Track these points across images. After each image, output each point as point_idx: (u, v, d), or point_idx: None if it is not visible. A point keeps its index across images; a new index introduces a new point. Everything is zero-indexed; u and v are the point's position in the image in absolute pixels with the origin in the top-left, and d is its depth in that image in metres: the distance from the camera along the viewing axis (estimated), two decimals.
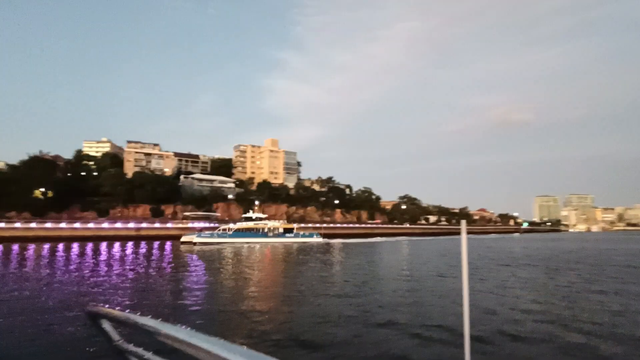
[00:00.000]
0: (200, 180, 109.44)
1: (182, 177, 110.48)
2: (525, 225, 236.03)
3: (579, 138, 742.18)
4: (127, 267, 27.04)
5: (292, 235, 69.69)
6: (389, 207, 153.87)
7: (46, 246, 49.21)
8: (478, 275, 22.57)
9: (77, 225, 70.30)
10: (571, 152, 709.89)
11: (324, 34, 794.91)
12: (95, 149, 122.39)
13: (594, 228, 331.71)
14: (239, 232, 64.36)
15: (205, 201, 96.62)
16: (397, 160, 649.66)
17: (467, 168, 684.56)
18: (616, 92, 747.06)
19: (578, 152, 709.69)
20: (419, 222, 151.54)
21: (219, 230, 64.74)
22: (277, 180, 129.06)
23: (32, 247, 48.16)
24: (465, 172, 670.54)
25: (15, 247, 48.09)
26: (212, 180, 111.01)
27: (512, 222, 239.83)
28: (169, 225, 79.51)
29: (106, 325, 1.59)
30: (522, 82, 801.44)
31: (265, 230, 67.08)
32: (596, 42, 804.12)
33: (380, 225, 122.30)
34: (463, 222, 2.75)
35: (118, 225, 73.81)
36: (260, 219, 70.37)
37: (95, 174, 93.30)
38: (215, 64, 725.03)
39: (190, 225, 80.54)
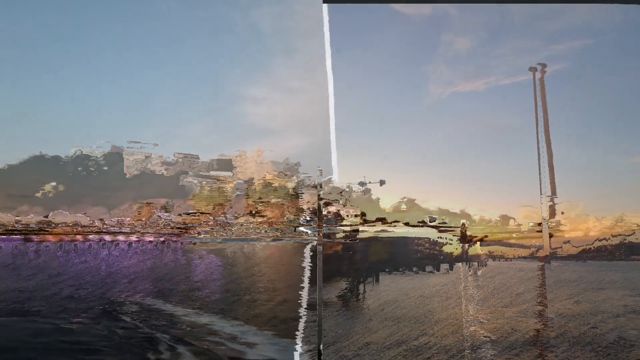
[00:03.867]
0: (200, 180, 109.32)
1: (182, 177, 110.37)
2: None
3: None
4: (129, 265, 26.96)
5: None
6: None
7: (47, 243, 49.02)
8: None
9: (77, 224, 70.29)
10: None
11: None
12: (95, 149, 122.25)
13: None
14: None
15: None
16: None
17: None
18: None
19: None
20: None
21: None
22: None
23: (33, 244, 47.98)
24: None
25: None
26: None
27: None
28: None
29: (111, 320, 1.61)
30: None
31: None
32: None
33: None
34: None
35: (118, 224, 73.80)
36: None
37: (95, 174, 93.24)
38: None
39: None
